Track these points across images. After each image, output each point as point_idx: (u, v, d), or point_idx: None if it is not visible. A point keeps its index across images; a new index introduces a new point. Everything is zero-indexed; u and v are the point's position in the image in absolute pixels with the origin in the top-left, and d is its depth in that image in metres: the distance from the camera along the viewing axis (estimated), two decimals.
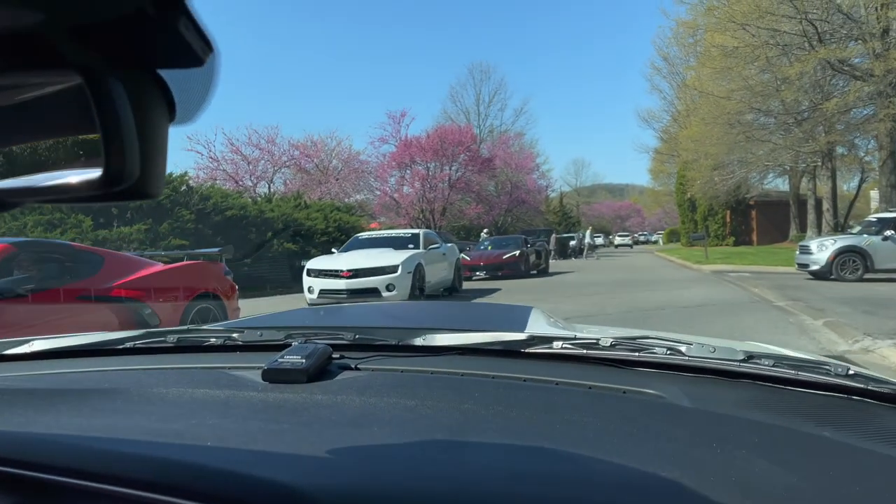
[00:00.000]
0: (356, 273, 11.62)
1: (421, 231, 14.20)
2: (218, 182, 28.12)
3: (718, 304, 10.37)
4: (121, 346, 1.47)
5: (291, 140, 32.44)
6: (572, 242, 43.58)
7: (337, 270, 11.77)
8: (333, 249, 13.73)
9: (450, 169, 38.23)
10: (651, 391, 1.04)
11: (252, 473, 0.69)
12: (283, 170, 31.98)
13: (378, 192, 38.42)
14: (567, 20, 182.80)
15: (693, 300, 10.92)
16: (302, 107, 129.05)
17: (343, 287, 11.45)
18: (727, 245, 41.63)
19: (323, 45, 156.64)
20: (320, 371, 1.13)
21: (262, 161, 30.50)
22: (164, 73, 0.43)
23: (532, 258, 21.15)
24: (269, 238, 17.45)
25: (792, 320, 8.40)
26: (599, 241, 34.73)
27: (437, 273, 13.21)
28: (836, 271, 14.44)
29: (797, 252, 16.24)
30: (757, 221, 44.41)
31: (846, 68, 22.98)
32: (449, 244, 15.19)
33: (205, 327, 1.72)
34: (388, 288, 11.45)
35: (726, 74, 26.50)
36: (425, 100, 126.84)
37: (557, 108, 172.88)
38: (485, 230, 25.72)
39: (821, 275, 14.58)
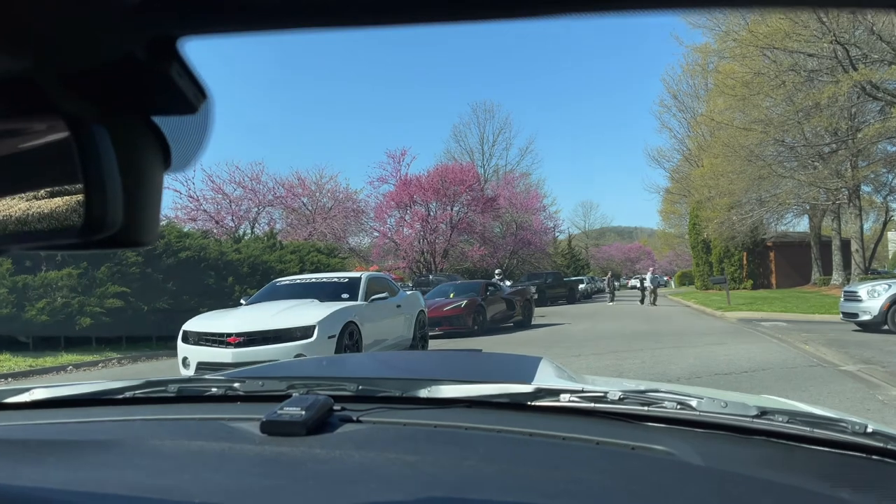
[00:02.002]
0: (249, 338, 7.90)
1: (364, 275, 10.42)
2: (198, 223, 26.17)
3: (769, 368, 8.05)
4: (121, 396, 1.45)
5: (277, 178, 30.53)
6: (581, 286, 41.53)
7: (221, 335, 7.99)
8: (242, 301, 10.07)
9: (451, 209, 36.29)
10: (660, 447, 1.02)
11: None
12: (267, 209, 29.99)
13: (377, 234, 36.51)
14: (574, 59, 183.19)
15: (734, 362, 8.61)
16: (295, 146, 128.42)
17: (229, 360, 7.67)
18: (745, 289, 39.26)
19: (317, 93, 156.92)
20: (320, 423, 1.11)
21: (246, 200, 28.51)
22: (158, 120, 0.43)
23: (501, 308, 16.82)
24: (229, 283, 15.26)
25: (882, 397, 6.11)
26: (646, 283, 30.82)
27: (387, 331, 9.77)
28: (892, 321, 12.14)
29: (842, 299, 13.92)
30: (776, 264, 42.15)
31: (881, 94, 20.92)
32: (409, 292, 11.86)
33: (207, 377, 1.66)
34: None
35: (745, 104, 24.53)
36: (426, 142, 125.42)
37: (564, 150, 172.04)
38: (497, 270, 23.01)
39: (873, 326, 12.29)
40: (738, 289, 38.02)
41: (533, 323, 18.20)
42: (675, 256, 71.60)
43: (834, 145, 24.05)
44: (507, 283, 20.56)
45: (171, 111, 0.43)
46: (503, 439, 1.08)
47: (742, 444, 1.06)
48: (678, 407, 1.16)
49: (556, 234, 55.12)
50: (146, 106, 0.42)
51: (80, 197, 0.42)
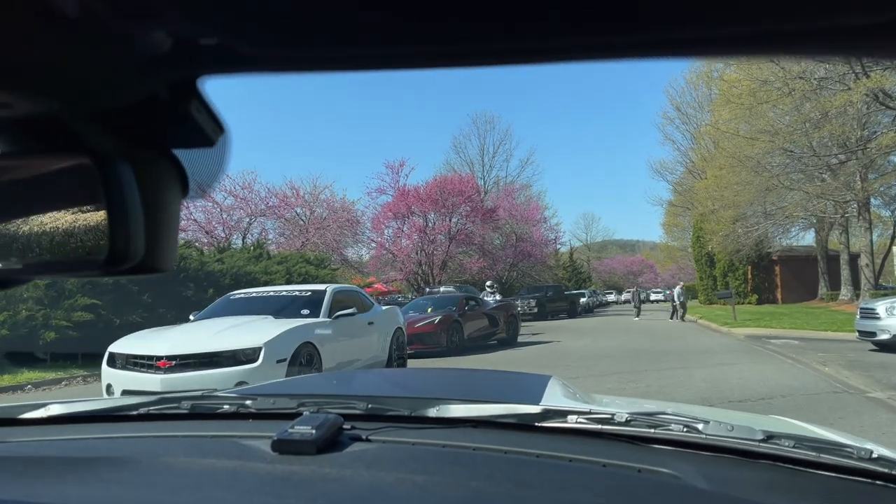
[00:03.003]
0: (182, 362, 6.60)
1: (329, 288, 9.01)
2: (188, 233, 25.40)
3: (788, 395, 7.24)
4: (135, 413, 1.47)
5: (270, 187, 29.68)
6: (583, 300, 40.65)
7: (150, 357, 6.70)
8: (192, 315, 8.79)
9: (450, 220, 35.55)
10: (666, 470, 1.02)
11: None
12: (260, 219, 29.17)
13: (374, 245, 35.78)
14: (575, 70, 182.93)
15: (748, 387, 7.80)
16: (290, 156, 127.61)
17: (157, 388, 6.37)
18: (750, 303, 38.42)
19: (319, 105, 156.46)
20: (331, 442, 1.12)
21: (237, 210, 27.72)
22: (178, 153, 0.45)
23: (482, 325, 15.24)
24: (209, 296, 14.45)
25: None
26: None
27: (356, 352, 8.50)
28: None
29: (857, 317, 13.11)
30: (781, 278, 41.37)
31: (894, 103, 20.17)
32: (386, 308, 10.68)
33: (219, 393, 1.66)
34: None
35: (751, 114, 23.79)
36: (426, 154, 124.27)
37: (565, 162, 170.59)
38: (488, 282, 21.36)
39: (893, 346, 11.46)
40: (742, 303, 37.17)
41: (520, 340, 16.96)
42: (678, 270, 70.49)
43: (843, 156, 23.28)
44: (496, 297, 19.06)
45: (190, 145, 0.45)
46: (510, 460, 1.09)
47: (748, 468, 1.06)
48: (684, 429, 1.16)
49: (558, 246, 54.32)
50: (167, 141, 0.44)
51: (102, 222, 0.44)
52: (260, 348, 6.74)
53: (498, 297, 18.65)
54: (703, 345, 14.44)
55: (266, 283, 15.51)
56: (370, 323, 9.29)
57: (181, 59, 0.38)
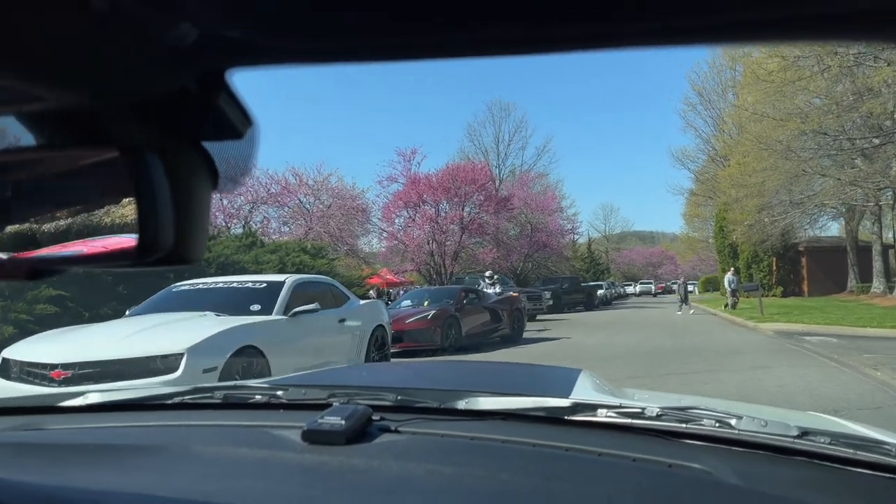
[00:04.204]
0: (81, 372, 5.27)
1: (288, 279, 7.56)
2: None
3: (841, 408, 5.97)
4: (169, 402, 1.50)
5: (272, 173, 28.55)
6: (600, 292, 39.30)
7: (44, 365, 5.39)
8: (128, 311, 7.42)
9: (462, 209, 34.32)
10: (698, 466, 1.01)
11: None
12: (262, 207, 28.08)
13: (385, 234, 34.64)
14: (593, 57, 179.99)
15: (793, 398, 6.54)
16: (297, 144, 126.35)
17: None
18: (775, 296, 36.87)
19: (337, 89, 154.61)
20: (360, 433, 1.13)
21: (238, 196, 26.67)
22: (208, 144, 0.46)
23: (483, 320, 13.81)
24: None
25: None
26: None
27: (319, 354, 7.11)
28: None
29: None
30: (808, 269, 39.70)
31: None
32: (365, 302, 9.20)
33: (250, 383, 1.75)
34: None
35: (781, 94, 22.27)
36: (439, 142, 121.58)
37: (583, 151, 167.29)
38: (488, 273, 19.29)
39: None
40: (767, 296, 35.62)
41: (527, 336, 15.59)
42: (699, 261, 68.89)
43: (878, 140, 21.73)
44: (497, 288, 17.43)
45: (218, 137, 0.46)
46: (539, 453, 1.09)
47: (782, 465, 1.05)
48: (717, 425, 1.15)
49: (575, 236, 52.90)
50: (196, 133, 0.45)
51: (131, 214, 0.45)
52: (181, 354, 5.36)
53: (498, 288, 17.18)
54: (731, 342, 13.16)
55: (258, 273, 14.35)
56: (342, 321, 7.91)
57: (208, 52, 0.39)
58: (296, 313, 6.94)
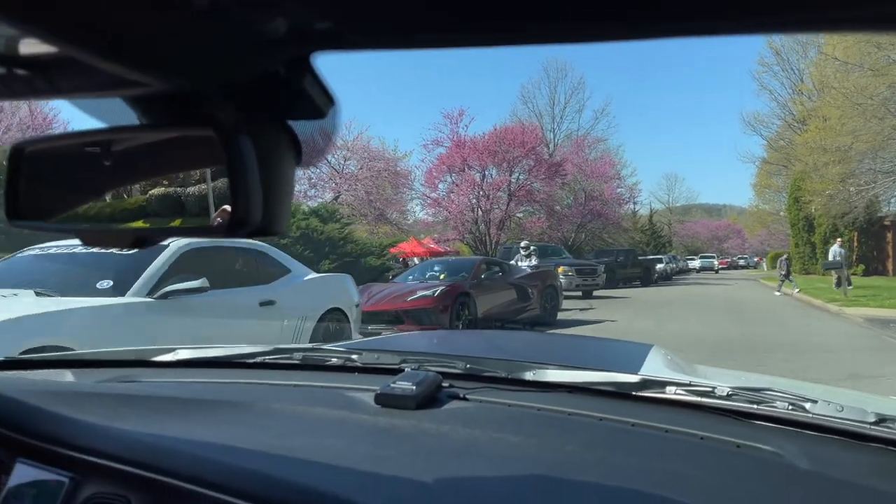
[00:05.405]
0: None
1: (175, 242, 5.16)
2: None
3: None
4: (252, 361, 1.58)
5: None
6: (659, 266, 36.40)
7: None
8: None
9: (509, 175, 31.90)
10: (767, 447, 0.99)
11: (352, 500, 0.75)
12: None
13: (427, 201, 32.54)
14: None
15: None
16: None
17: None
18: (855, 274, 33.37)
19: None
20: (430, 399, 1.16)
21: None
22: (293, 124, 0.50)
23: (506, 299, 11.49)
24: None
25: None
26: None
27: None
28: None
29: None
30: (894, 246, 35.99)
31: None
32: (315, 277, 6.70)
33: (327, 347, 1.78)
34: None
35: (877, 45, 19.07)
36: (489, 105, 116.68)
37: (646, 118, 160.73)
38: (523, 243, 16.21)
39: None
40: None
41: (563, 318, 13.19)
42: (769, 235, 64.51)
43: None
44: (533, 261, 14.83)
45: (303, 117, 0.49)
46: (605, 427, 1.09)
47: (856, 451, 1.02)
48: (790, 407, 1.13)
49: (634, 205, 49.79)
50: (283, 113, 0.48)
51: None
52: None
53: (535, 261, 14.68)
54: (814, 334, 10.61)
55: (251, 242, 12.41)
56: (266, 303, 5.67)
57: (295, 40, 0.42)
58: (166, 294, 4.75)
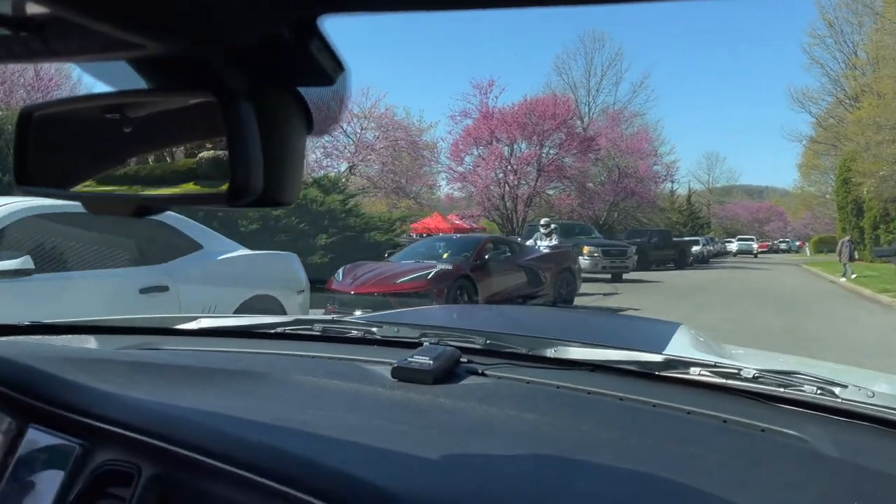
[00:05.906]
0: None
1: (7, 205, 3.86)
2: None
3: None
4: (272, 331, 1.58)
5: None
6: (695, 248, 34.73)
7: None
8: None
9: (539, 149, 30.49)
10: (793, 433, 0.97)
11: (360, 475, 0.73)
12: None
13: (454, 175, 31.32)
14: None
15: None
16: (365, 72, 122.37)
17: None
18: None
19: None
20: (447, 374, 1.15)
21: None
22: (302, 90, 0.48)
23: (513, 283, 10.33)
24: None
25: None
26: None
27: None
28: None
29: None
30: None
31: None
32: (239, 255, 5.30)
33: (346, 319, 1.75)
34: None
35: None
36: (521, 76, 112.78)
37: (687, 92, 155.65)
38: (543, 221, 14.75)
39: None
40: (891, 262, 30.43)
41: (581, 304, 12.06)
42: (813, 219, 61.92)
43: None
44: (553, 240, 13.66)
45: (311, 83, 0.47)
46: (625, 407, 1.07)
47: (886, 439, 0.99)
48: (818, 392, 1.10)
49: (671, 183, 47.85)
50: (289, 79, 0.47)
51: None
52: None
53: (555, 240, 13.41)
54: (866, 331, 9.28)
55: (240, 216, 11.34)
56: (151, 289, 4.45)
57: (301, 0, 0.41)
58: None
